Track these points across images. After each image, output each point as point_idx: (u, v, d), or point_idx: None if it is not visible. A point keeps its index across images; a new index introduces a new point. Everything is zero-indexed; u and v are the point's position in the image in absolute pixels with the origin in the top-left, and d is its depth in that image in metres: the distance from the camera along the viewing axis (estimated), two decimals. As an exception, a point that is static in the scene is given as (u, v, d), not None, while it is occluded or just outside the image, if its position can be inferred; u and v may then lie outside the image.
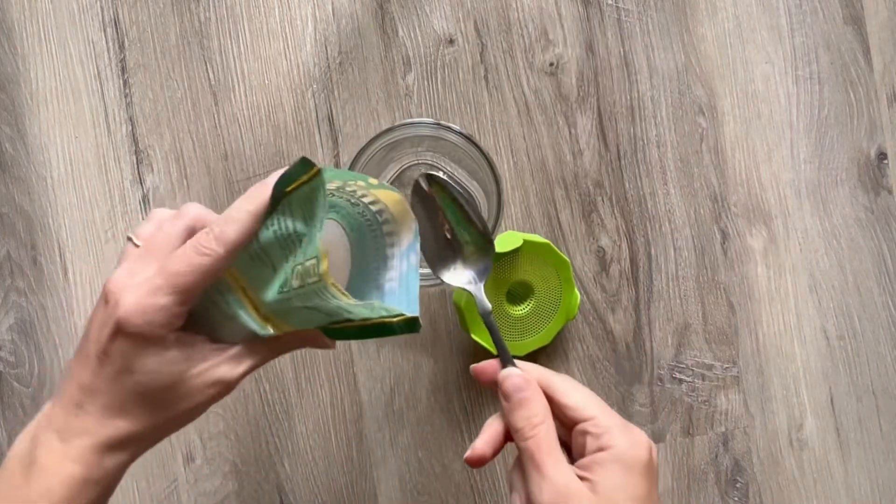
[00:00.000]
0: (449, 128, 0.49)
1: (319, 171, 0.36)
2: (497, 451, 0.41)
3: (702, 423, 0.59)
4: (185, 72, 0.58)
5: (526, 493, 0.40)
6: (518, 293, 0.56)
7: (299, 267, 0.37)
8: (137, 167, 0.58)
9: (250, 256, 0.38)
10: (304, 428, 0.58)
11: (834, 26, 0.61)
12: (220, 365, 0.38)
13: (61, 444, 0.37)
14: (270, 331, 0.39)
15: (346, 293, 0.37)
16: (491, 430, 0.42)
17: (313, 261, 0.36)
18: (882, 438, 0.60)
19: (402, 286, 0.40)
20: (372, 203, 0.40)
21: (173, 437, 0.57)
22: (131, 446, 0.38)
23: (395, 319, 0.38)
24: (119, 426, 0.37)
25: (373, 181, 0.39)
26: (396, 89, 0.59)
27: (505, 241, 0.54)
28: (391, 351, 0.58)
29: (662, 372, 0.59)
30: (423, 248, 0.44)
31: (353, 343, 0.58)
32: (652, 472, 0.39)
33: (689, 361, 0.59)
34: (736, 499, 0.59)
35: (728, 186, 0.60)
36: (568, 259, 0.56)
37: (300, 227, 0.37)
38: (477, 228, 0.45)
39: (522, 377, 0.41)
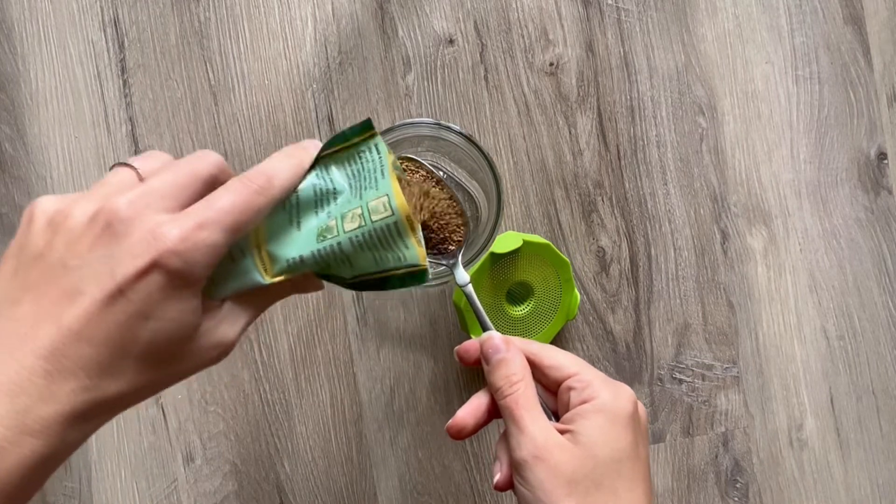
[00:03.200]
0: (449, 128, 0.49)
1: (374, 135, 0.36)
2: (479, 423, 0.41)
3: (702, 423, 0.59)
4: (185, 72, 0.58)
5: (508, 454, 0.40)
6: (518, 293, 0.56)
7: (357, 209, 0.36)
8: (137, 167, 0.58)
9: (281, 209, 0.36)
10: (304, 428, 0.58)
11: (834, 26, 0.61)
12: (221, 324, 0.34)
13: (16, 412, 0.29)
14: (273, 280, 0.36)
15: (416, 228, 0.36)
16: (475, 401, 0.42)
17: (384, 198, 0.35)
18: (882, 438, 0.60)
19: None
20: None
21: (173, 437, 0.57)
22: (110, 412, 0.32)
23: (416, 269, 0.37)
24: (104, 389, 0.30)
25: (392, 158, 0.39)
26: (396, 89, 0.59)
27: (505, 242, 0.54)
28: (391, 351, 0.58)
29: (662, 372, 0.59)
30: None
31: (353, 343, 0.58)
32: (637, 424, 0.39)
33: (689, 361, 0.59)
34: (736, 499, 0.59)
35: (728, 186, 0.60)
36: (568, 259, 0.56)
37: (341, 184, 0.36)
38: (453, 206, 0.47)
39: (501, 338, 0.41)
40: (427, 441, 0.58)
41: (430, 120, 0.53)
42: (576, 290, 0.56)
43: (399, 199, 0.35)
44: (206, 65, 0.58)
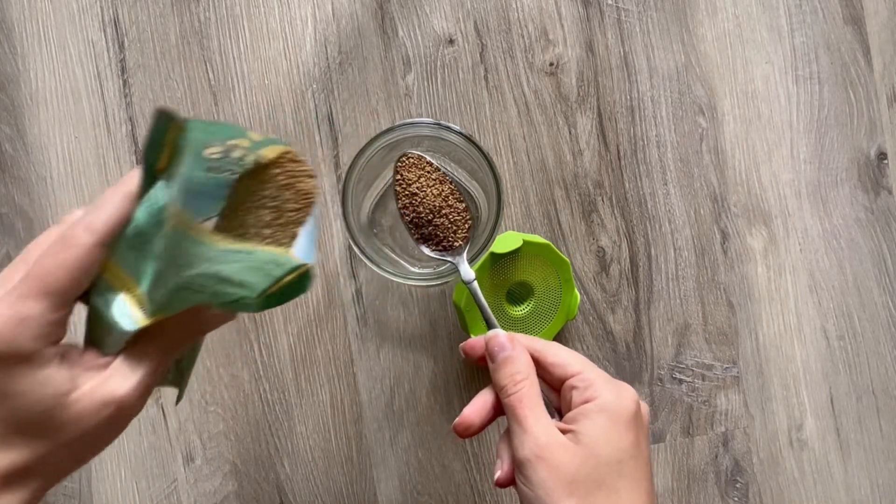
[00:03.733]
0: (449, 128, 0.49)
1: (184, 123, 0.32)
2: (485, 421, 0.42)
3: (702, 424, 0.59)
4: (185, 72, 0.58)
5: (510, 451, 0.40)
6: (518, 293, 0.56)
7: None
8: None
9: (129, 246, 0.33)
10: (304, 428, 0.58)
11: (834, 26, 0.61)
12: (108, 380, 0.33)
13: None
14: (149, 321, 0.33)
15: (211, 234, 0.33)
16: (480, 399, 0.42)
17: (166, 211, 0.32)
18: (882, 438, 0.60)
19: (306, 239, 0.36)
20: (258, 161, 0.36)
21: (173, 437, 0.57)
22: (26, 482, 0.33)
23: (298, 273, 0.33)
24: (7, 458, 0.32)
25: (255, 137, 0.35)
26: (396, 89, 0.59)
27: (505, 242, 0.54)
28: (391, 351, 0.58)
29: (662, 372, 0.59)
30: (407, 227, 0.45)
31: (353, 343, 0.58)
32: (639, 424, 0.39)
33: (689, 361, 0.59)
34: (736, 499, 0.59)
35: (728, 186, 0.60)
36: (568, 259, 0.56)
37: (172, 198, 0.33)
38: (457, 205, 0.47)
39: (507, 336, 0.41)
40: (427, 441, 0.58)
41: (430, 120, 0.53)
42: (576, 290, 0.56)
43: (173, 207, 0.32)
44: (206, 65, 0.58)
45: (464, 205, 0.50)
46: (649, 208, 0.59)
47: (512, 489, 0.42)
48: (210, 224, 0.34)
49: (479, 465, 0.58)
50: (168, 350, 0.35)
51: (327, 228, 0.58)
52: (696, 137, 0.60)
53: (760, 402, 0.60)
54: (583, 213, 0.59)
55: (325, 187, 0.58)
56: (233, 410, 0.57)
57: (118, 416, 0.33)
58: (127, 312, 0.33)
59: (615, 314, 0.59)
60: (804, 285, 0.60)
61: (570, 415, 0.39)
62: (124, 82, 0.58)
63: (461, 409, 0.58)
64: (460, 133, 0.49)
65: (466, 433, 0.41)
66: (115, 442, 0.57)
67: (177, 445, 0.57)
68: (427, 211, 0.50)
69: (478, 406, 0.42)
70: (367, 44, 0.59)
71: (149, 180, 0.33)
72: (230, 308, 0.33)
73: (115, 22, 0.58)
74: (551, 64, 0.59)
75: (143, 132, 0.58)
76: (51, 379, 0.32)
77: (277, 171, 0.36)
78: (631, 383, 0.59)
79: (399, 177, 0.50)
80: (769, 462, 0.59)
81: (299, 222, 0.36)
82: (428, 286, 0.58)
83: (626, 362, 0.59)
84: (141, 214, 0.32)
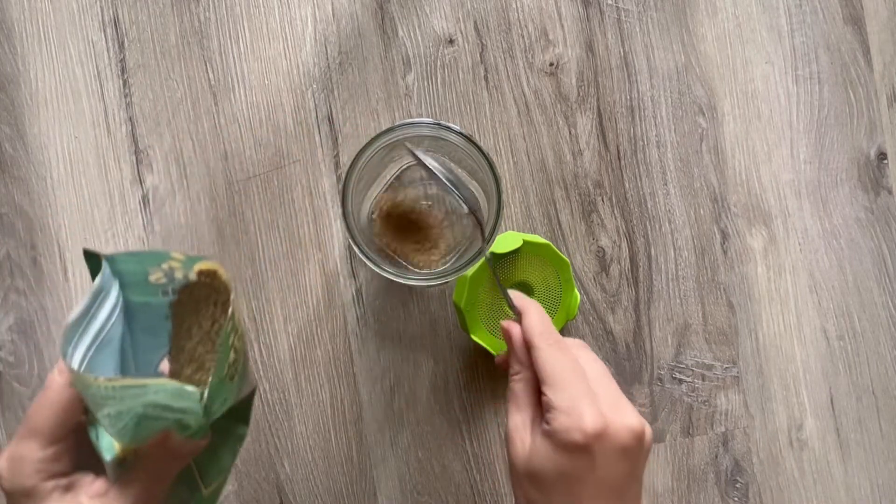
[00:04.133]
0: (449, 128, 0.49)
1: (102, 260, 0.36)
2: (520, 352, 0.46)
3: (702, 424, 0.59)
4: (185, 72, 0.58)
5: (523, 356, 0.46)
6: (518, 293, 0.56)
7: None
8: (137, 167, 0.58)
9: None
10: (304, 428, 0.58)
11: (834, 26, 0.61)
12: None
13: None
14: (116, 454, 0.37)
15: (95, 379, 0.35)
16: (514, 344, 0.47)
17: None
18: (882, 438, 0.60)
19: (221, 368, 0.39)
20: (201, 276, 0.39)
21: (173, 437, 0.57)
22: None
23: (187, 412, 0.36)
24: None
25: (179, 256, 0.38)
26: (396, 89, 0.59)
27: (505, 242, 0.54)
28: (391, 351, 0.58)
29: (662, 372, 0.59)
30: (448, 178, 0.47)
31: (353, 343, 0.58)
32: (583, 453, 0.40)
33: (689, 361, 0.59)
34: (736, 499, 0.59)
35: (728, 186, 0.60)
36: (568, 259, 0.56)
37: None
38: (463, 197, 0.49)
39: (515, 332, 0.46)
40: (427, 441, 0.58)
41: (430, 120, 0.53)
42: (576, 290, 0.56)
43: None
44: (206, 65, 0.58)
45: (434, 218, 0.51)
46: (649, 208, 0.59)
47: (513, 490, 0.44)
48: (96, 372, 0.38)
49: (479, 465, 0.58)
50: (150, 477, 0.38)
51: (327, 228, 0.58)
52: (696, 137, 0.60)
53: (760, 402, 0.60)
54: (583, 213, 0.59)
55: (325, 187, 0.58)
56: (233, 410, 0.57)
57: None
58: (109, 444, 0.36)
59: (615, 314, 0.59)
60: (804, 285, 0.60)
61: (537, 421, 0.43)
62: (124, 82, 0.58)
63: (461, 410, 0.58)
64: (460, 133, 0.49)
65: (502, 368, 0.48)
66: (115, 442, 0.57)
67: (177, 445, 0.57)
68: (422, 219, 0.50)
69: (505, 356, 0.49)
70: (367, 44, 0.59)
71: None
72: (187, 434, 0.36)
73: (115, 22, 0.58)
74: (551, 64, 0.59)
75: (143, 132, 0.58)
76: None
77: (202, 287, 0.39)
78: (631, 383, 0.59)
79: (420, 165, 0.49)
80: (769, 462, 0.59)
81: (217, 336, 0.39)
82: (428, 286, 0.58)
83: (626, 362, 0.59)
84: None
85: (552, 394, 0.42)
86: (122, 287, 0.37)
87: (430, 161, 0.48)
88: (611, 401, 0.41)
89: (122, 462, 0.37)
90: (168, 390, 0.34)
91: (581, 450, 0.40)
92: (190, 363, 0.38)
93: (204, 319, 0.38)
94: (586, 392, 0.41)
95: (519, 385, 0.45)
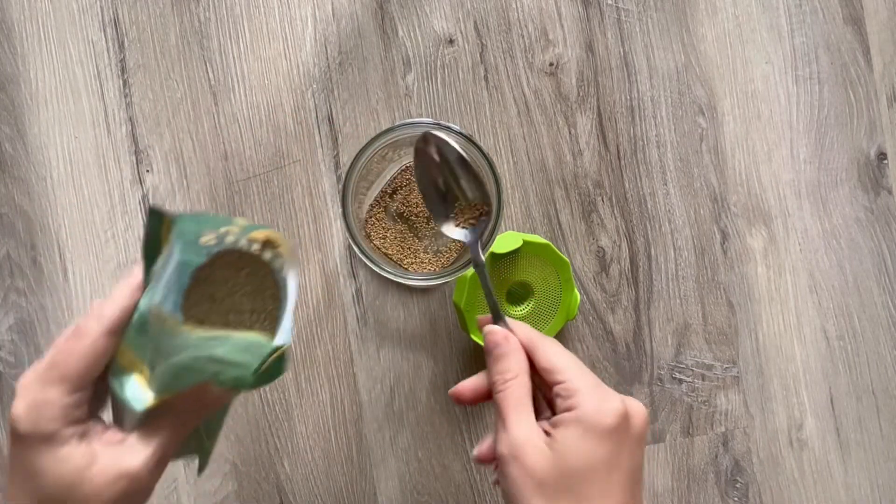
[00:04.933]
0: (449, 128, 0.49)
1: (174, 218, 0.36)
2: (475, 399, 0.43)
3: (702, 423, 0.59)
4: (185, 72, 0.58)
5: (493, 439, 0.42)
6: (518, 293, 0.56)
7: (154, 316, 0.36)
8: (137, 167, 0.58)
9: (137, 332, 0.36)
10: (304, 428, 0.58)
11: (834, 26, 0.61)
12: (122, 455, 0.36)
13: None
14: (155, 402, 0.36)
15: (184, 326, 0.36)
16: (477, 380, 0.44)
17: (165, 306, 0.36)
18: (882, 438, 0.60)
19: (287, 319, 0.40)
20: (253, 243, 0.39)
21: (173, 437, 0.57)
22: None
23: (274, 356, 0.37)
24: None
25: (242, 222, 0.38)
26: (396, 89, 0.59)
27: (505, 242, 0.54)
28: (391, 351, 0.58)
29: (662, 372, 0.59)
30: (426, 201, 0.47)
31: (353, 343, 0.58)
32: (619, 436, 0.39)
33: (689, 361, 0.59)
34: (736, 499, 0.59)
35: (728, 186, 0.60)
36: (568, 259, 0.56)
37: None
38: (472, 185, 0.48)
39: (502, 334, 0.42)
40: (427, 441, 0.58)
41: (430, 120, 0.53)
42: (576, 290, 0.56)
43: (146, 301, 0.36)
44: (206, 65, 0.58)
45: (481, 186, 0.49)
46: (649, 208, 0.59)
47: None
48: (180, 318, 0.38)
49: (479, 465, 0.58)
50: (177, 426, 0.38)
51: (327, 228, 0.58)
52: (696, 137, 0.60)
53: (760, 402, 0.60)
54: (583, 213, 0.59)
55: (326, 187, 0.58)
56: (233, 410, 0.57)
57: (131, 489, 0.36)
58: (138, 393, 0.36)
59: (615, 314, 0.59)
60: (804, 285, 0.60)
61: (554, 419, 0.40)
62: (124, 82, 0.58)
63: (461, 410, 0.58)
64: (460, 133, 0.49)
65: (457, 402, 0.44)
66: (115, 442, 0.57)
67: (177, 445, 0.57)
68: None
69: (471, 384, 0.43)
70: (367, 44, 0.59)
71: (147, 270, 0.37)
72: (228, 387, 0.36)
73: (115, 22, 0.58)
74: (551, 64, 0.59)
75: (143, 132, 0.58)
76: (70, 456, 0.35)
77: (265, 253, 0.39)
78: (631, 383, 0.59)
79: (421, 155, 0.49)
80: (769, 462, 0.59)
81: (276, 305, 0.39)
82: (428, 286, 0.58)
83: (626, 362, 0.59)
84: (143, 304, 0.36)
85: (574, 380, 0.40)
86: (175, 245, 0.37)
87: (451, 141, 0.47)
88: (611, 387, 0.41)
89: (148, 412, 0.37)
90: (247, 342, 0.35)
91: (612, 433, 0.38)
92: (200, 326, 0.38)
93: (244, 289, 0.39)
94: (597, 379, 0.41)
95: (518, 389, 0.41)
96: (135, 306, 0.36)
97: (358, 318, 0.58)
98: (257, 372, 0.36)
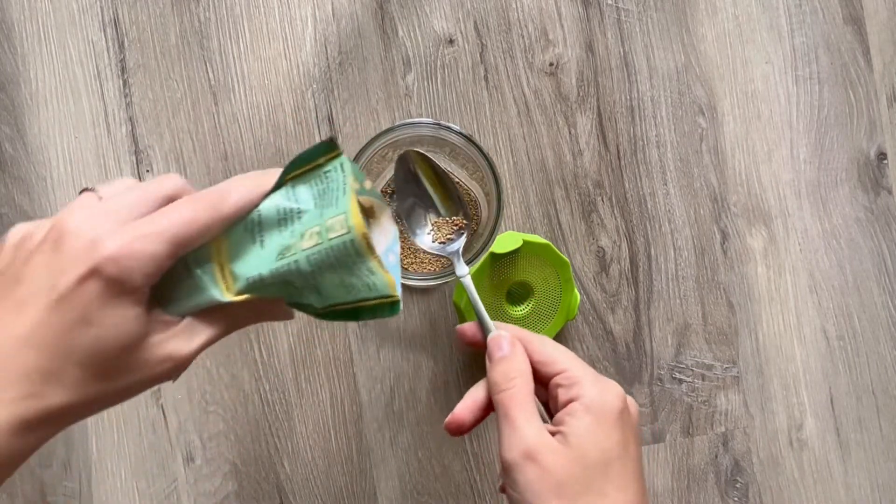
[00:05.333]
0: (449, 128, 0.49)
1: (339, 154, 0.36)
2: (477, 419, 0.42)
3: (702, 423, 0.59)
4: (185, 72, 0.58)
5: (479, 395, 0.41)
6: (518, 293, 0.56)
7: (316, 227, 0.35)
8: (137, 167, 0.58)
9: (243, 227, 0.35)
10: (304, 428, 0.58)
11: (834, 26, 0.61)
12: (174, 338, 0.34)
13: None
14: (234, 298, 0.35)
15: (373, 248, 0.35)
16: (472, 396, 0.42)
17: (342, 216, 0.35)
18: (882, 438, 0.60)
19: (393, 273, 0.40)
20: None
21: (173, 437, 0.57)
22: (56, 423, 0.32)
23: (387, 300, 0.36)
24: (49, 397, 0.31)
25: (368, 184, 0.39)
26: (396, 89, 0.59)
27: (505, 242, 0.54)
28: (391, 351, 0.58)
29: (662, 372, 0.59)
30: (402, 213, 0.48)
31: (353, 343, 0.58)
32: (625, 422, 0.39)
33: (689, 361, 0.59)
34: (736, 499, 0.59)
35: (728, 186, 0.60)
36: (568, 259, 0.56)
37: (307, 203, 0.36)
38: (452, 199, 0.49)
39: (507, 338, 0.42)
40: (427, 441, 0.58)
41: (430, 120, 0.53)
42: (576, 290, 0.56)
43: (356, 218, 0.35)
44: (206, 65, 0.58)
45: (460, 204, 0.50)
46: (649, 208, 0.59)
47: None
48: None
49: (479, 465, 0.58)
50: (232, 326, 0.36)
51: (327, 228, 0.58)
52: (696, 137, 0.60)
53: (760, 402, 0.60)
54: (583, 213, 0.59)
55: (325, 187, 0.58)
56: (233, 410, 0.57)
57: (167, 375, 0.34)
58: (217, 283, 0.35)
59: (615, 314, 0.59)
60: (804, 285, 0.60)
61: (558, 416, 0.39)
62: (124, 82, 0.58)
63: (461, 409, 0.58)
64: (460, 133, 0.49)
65: (458, 431, 0.41)
66: (115, 442, 0.57)
67: (177, 445, 0.57)
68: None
69: (468, 403, 0.42)
70: (367, 44, 0.59)
71: (283, 180, 0.36)
72: (298, 308, 0.36)
73: (115, 22, 0.58)
74: (551, 64, 0.59)
75: (143, 132, 0.58)
76: (139, 319, 0.32)
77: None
78: (631, 383, 0.59)
79: (401, 172, 0.50)
80: (769, 462, 0.59)
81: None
82: (428, 286, 0.58)
83: (626, 362, 0.59)
84: (268, 209, 0.35)
85: (574, 368, 0.40)
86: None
87: (431, 156, 0.48)
88: None
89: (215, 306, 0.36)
90: (379, 279, 0.35)
91: (619, 418, 0.38)
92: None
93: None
94: (594, 369, 0.41)
95: (522, 388, 0.39)
96: (255, 206, 0.35)
97: (358, 318, 0.58)
98: (329, 308, 0.36)
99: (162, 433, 0.57)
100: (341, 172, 0.36)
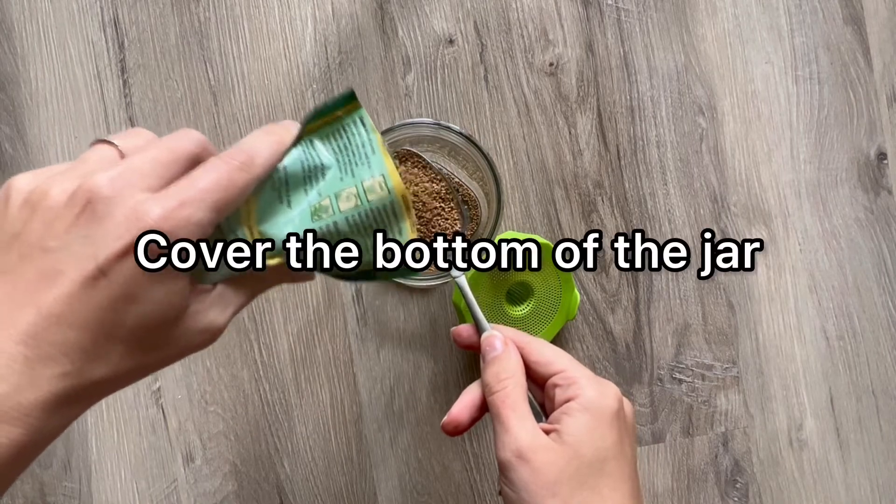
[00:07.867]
0: (449, 128, 0.49)
1: (358, 107, 0.36)
2: (474, 418, 0.42)
3: (702, 424, 0.59)
4: (185, 72, 0.58)
5: (473, 396, 0.41)
6: (518, 293, 0.56)
7: (352, 188, 0.35)
8: (137, 167, 0.58)
9: (270, 186, 0.34)
10: (304, 428, 0.58)
11: (834, 26, 0.61)
12: (211, 308, 0.32)
13: None
14: (270, 262, 0.34)
15: (411, 208, 0.35)
16: (468, 396, 0.42)
17: (380, 178, 0.35)
18: (882, 438, 0.60)
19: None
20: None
21: (173, 437, 0.57)
22: (95, 396, 0.31)
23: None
24: (89, 373, 0.29)
25: (379, 138, 0.39)
26: (396, 89, 0.59)
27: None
28: (391, 351, 0.58)
29: (662, 372, 0.59)
30: None
31: (353, 343, 0.58)
32: (622, 422, 0.39)
33: (689, 361, 0.59)
34: (736, 499, 0.59)
35: (728, 186, 0.60)
36: (568, 259, 0.56)
37: (328, 159, 0.35)
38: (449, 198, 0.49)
39: (499, 338, 0.42)
40: (427, 441, 0.58)
41: (430, 120, 0.54)
42: (576, 290, 0.56)
43: (395, 179, 0.35)
44: (206, 65, 0.58)
45: (454, 202, 0.50)
46: (649, 208, 0.59)
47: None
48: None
49: (479, 465, 0.58)
50: (261, 288, 0.35)
51: (327, 228, 0.58)
52: (696, 137, 0.60)
53: (760, 402, 0.60)
54: (583, 213, 0.59)
55: (325, 187, 0.58)
56: (233, 410, 0.57)
57: (204, 345, 0.32)
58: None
59: (615, 314, 0.59)
60: (804, 285, 0.60)
61: (554, 415, 0.39)
62: (124, 82, 0.58)
63: (461, 409, 0.58)
64: (460, 133, 0.49)
65: (455, 432, 0.41)
66: (115, 442, 0.57)
67: (177, 445, 0.57)
68: (420, 205, 0.50)
69: (465, 403, 0.42)
70: (367, 44, 0.59)
71: (303, 133, 0.36)
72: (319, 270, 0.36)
73: (115, 22, 0.58)
74: (551, 64, 0.59)
75: (143, 132, 0.58)
76: (182, 292, 0.31)
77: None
78: (631, 383, 0.59)
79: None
80: (769, 462, 0.59)
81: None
82: (428, 286, 0.58)
83: (626, 362, 0.59)
84: (292, 165, 0.35)
85: (571, 369, 0.40)
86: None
87: (429, 157, 0.48)
88: None
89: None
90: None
91: (615, 418, 0.38)
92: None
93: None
94: (590, 370, 0.41)
95: (514, 389, 0.39)
96: (279, 161, 0.33)
97: (358, 319, 0.58)
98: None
99: (162, 433, 0.57)
100: (362, 127, 0.36)
